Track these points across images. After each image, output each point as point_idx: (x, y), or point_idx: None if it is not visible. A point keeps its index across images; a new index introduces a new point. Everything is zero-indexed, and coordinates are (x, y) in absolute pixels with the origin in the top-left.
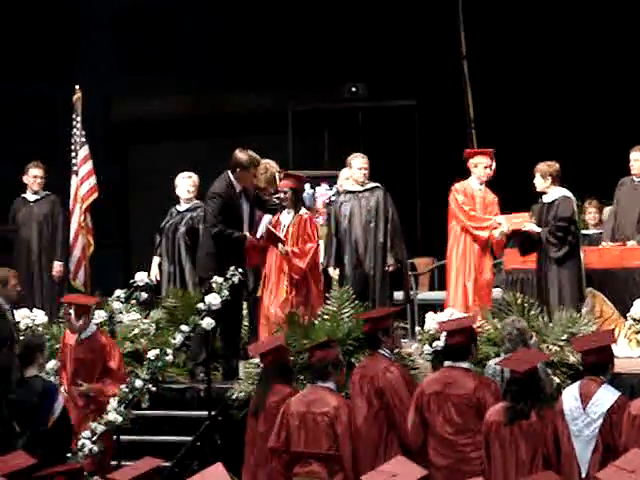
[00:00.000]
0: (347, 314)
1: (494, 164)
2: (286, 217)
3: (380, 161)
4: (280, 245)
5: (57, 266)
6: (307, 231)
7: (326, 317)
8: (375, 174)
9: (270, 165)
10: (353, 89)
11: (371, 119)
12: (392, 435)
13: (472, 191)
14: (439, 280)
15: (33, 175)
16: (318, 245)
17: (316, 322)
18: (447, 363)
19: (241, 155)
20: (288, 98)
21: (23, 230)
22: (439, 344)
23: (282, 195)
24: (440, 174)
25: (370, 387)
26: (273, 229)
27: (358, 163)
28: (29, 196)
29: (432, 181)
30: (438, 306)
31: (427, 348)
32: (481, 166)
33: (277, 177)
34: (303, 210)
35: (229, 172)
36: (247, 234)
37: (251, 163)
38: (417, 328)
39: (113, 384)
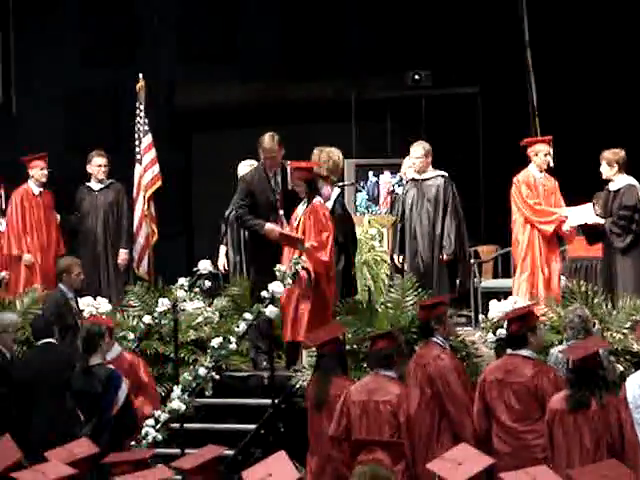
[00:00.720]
0: (410, 302)
1: (551, 151)
2: (301, 207)
3: (443, 149)
4: (298, 244)
5: (122, 254)
6: (320, 219)
7: (389, 305)
8: (438, 162)
9: (333, 153)
10: (416, 77)
11: (434, 107)
12: (444, 423)
13: (534, 180)
14: (503, 268)
15: (97, 164)
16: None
17: (379, 310)
18: (509, 351)
19: (261, 139)
20: (351, 86)
21: (88, 219)
22: (502, 332)
23: (297, 188)
24: (503, 161)
25: (422, 375)
26: (286, 232)
27: (414, 152)
28: (94, 185)
29: (495, 168)
30: (502, 294)
31: (490, 336)
32: (541, 154)
33: (341, 165)
34: (317, 199)
35: (257, 161)
36: (267, 224)
37: (272, 144)
38: (481, 316)
39: (148, 403)
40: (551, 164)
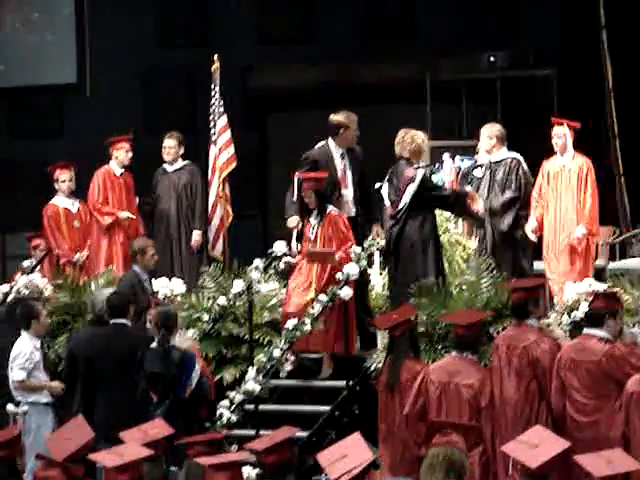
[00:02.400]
0: (486, 284)
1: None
2: (314, 219)
3: (518, 131)
4: (330, 258)
5: (196, 235)
6: (341, 229)
7: (464, 287)
8: (513, 144)
9: (417, 136)
10: (491, 58)
11: (510, 88)
12: (542, 406)
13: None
14: None
15: (165, 146)
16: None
17: (454, 292)
18: (585, 330)
19: (337, 116)
20: (426, 68)
21: (162, 200)
22: (577, 314)
23: (306, 200)
24: (579, 143)
25: (522, 358)
26: (315, 250)
27: (482, 133)
28: (168, 167)
29: None
30: None
31: (565, 318)
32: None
33: (424, 149)
34: (330, 208)
35: (330, 138)
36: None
37: (350, 120)
38: (555, 298)
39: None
40: (567, 147)
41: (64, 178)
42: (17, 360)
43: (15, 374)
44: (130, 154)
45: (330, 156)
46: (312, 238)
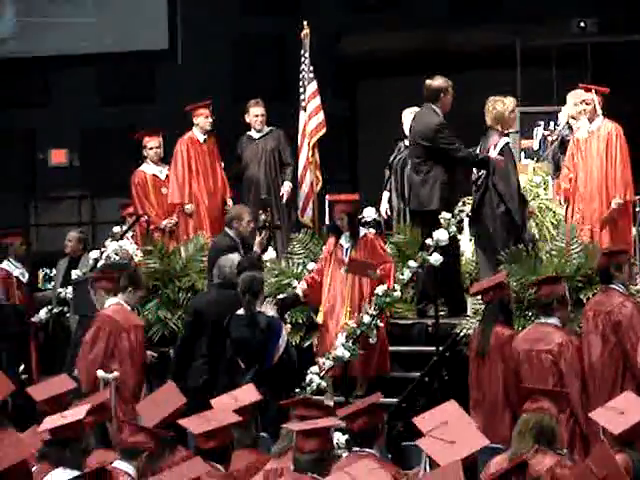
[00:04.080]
0: (576, 250)
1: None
2: (345, 241)
3: (609, 98)
4: (371, 272)
5: (286, 186)
6: (378, 251)
7: (554, 253)
8: (604, 111)
9: (500, 102)
10: (581, 24)
11: (600, 54)
12: (628, 372)
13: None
14: None
15: (254, 114)
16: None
17: (544, 258)
18: None
19: (437, 81)
20: (515, 33)
21: (250, 167)
22: None
23: (338, 222)
24: None
25: (605, 323)
26: (357, 259)
27: (567, 100)
28: (254, 134)
29: None
30: None
31: None
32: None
33: (507, 115)
34: (364, 230)
35: (430, 105)
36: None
37: (449, 85)
38: None
39: None
40: (597, 113)
41: (152, 145)
42: None
43: None
44: (210, 120)
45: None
46: (345, 261)
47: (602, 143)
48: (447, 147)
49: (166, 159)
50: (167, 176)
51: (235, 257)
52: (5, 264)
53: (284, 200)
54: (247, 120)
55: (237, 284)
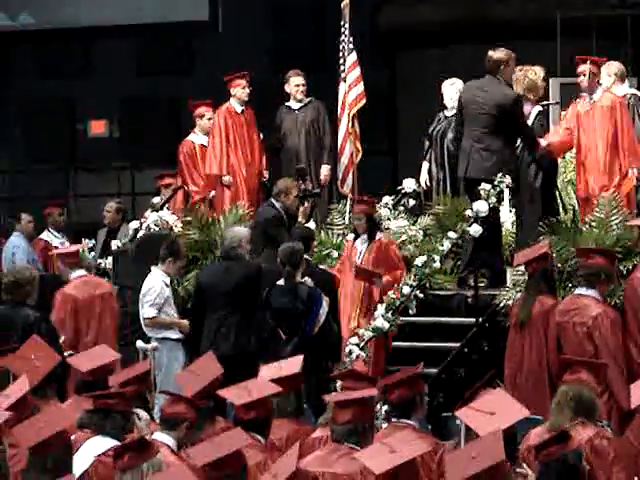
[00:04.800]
0: (616, 221)
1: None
2: (361, 244)
3: None
4: (376, 279)
5: (325, 170)
6: (391, 256)
7: (593, 224)
8: None
9: (531, 71)
10: None
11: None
12: None
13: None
14: None
15: (295, 84)
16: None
17: (584, 229)
18: None
19: (498, 53)
20: (555, 4)
21: (289, 138)
22: None
23: (356, 222)
24: None
25: None
26: (363, 266)
27: (601, 71)
28: (293, 104)
29: None
30: None
31: None
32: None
33: (539, 84)
34: (380, 235)
35: (492, 76)
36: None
37: (510, 57)
38: None
39: None
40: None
41: (209, 116)
42: (147, 297)
43: (145, 311)
44: (248, 90)
45: None
46: (358, 262)
47: (606, 114)
48: (522, 120)
49: None
50: None
51: (241, 230)
52: (45, 234)
53: (322, 183)
54: (287, 90)
55: (238, 256)
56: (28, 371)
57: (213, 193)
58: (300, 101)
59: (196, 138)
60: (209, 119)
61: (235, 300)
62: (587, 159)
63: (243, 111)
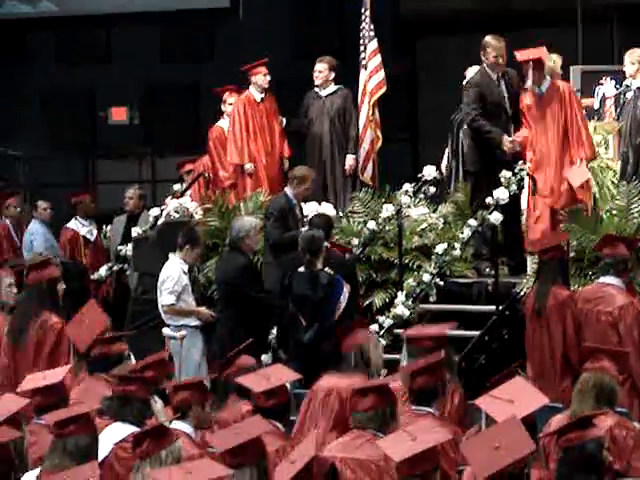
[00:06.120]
0: (637, 210)
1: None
2: None
3: None
4: None
5: (349, 160)
6: None
7: (615, 212)
8: None
9: (552, 59)
10: None
11: None
12: None
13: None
14: None
15: (317, 70)
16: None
17: (605, 217)
18: None
19: (491, 39)
20: None
21: (315, 124)
22: None
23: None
24: None
25: None
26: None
27: (625, 59)
28: (321, 91)
29: None
30: None
31: None
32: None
33: (557, 71)
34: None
35: (484, 64)
36: (504, 136)
37: (487, 42)
38: None
39: None
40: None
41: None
42: (165, 284)
43: (164, 298)
44: (268, 78)
45: (490, 79)
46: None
47: (556, 104)
48: (463, 109)
49: None
50: None
51: (249, 220)
52: (73, 223)
53: (348, 174)
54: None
55: (241, 248)
56: (80, 334)
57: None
58: (325, 88)
59: (225, 124)
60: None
61: (223, 294)
62: (545, 154)
63: (263, 99)
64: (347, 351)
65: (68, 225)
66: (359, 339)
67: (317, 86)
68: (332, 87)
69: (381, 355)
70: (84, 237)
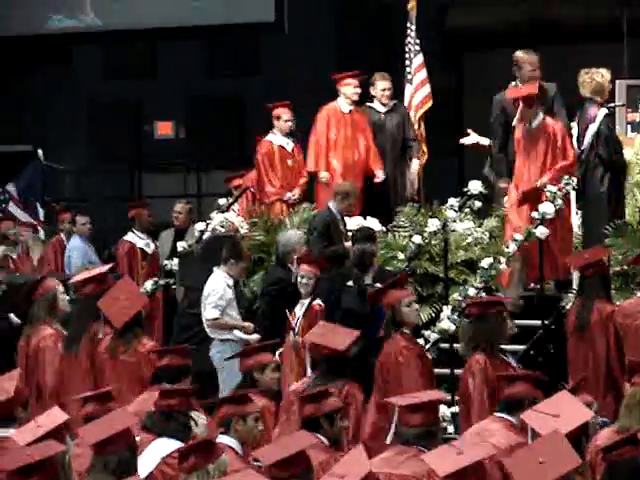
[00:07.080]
0: None
1: None
2: (300, 308)
3: None
4: None
5: (414, 164)
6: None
7: None
8: None
9: (597, 74)
10: None
11: None
12: None
13: None
14: None
15: (381, 88)
16: None
17: None
18: None
19: (523, 54)
20: (623, 5)
21: (375, 140)
22: None
23: (305, 280)
24: None
25: None
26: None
27: None
28: (378, 107)
29: None
30: None
31: None
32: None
33: (606, 86)
34: (317, 301)
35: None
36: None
37: (519, 58)
38: None
39: None
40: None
41: (287, 117)
42: (210, 298)
43: (208, 312)
44: (359, 90)
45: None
46: (295, 331)
47: (543, 141)
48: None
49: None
50: (293, 148)
51: (294, 234)
52: (130, 236)
53: (414, 177)
54: (372, 93)
55: (289, 261)
56: (116, 311)
57: (293, 194)
58: (385, 105)
59: (275, 138)
60: (286, 120)
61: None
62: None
63: (351, 111)
64: None
65: (125, 238)
66: None
67: (382, 103)
68: (390, 103)
69: None
70: (141, 249)
